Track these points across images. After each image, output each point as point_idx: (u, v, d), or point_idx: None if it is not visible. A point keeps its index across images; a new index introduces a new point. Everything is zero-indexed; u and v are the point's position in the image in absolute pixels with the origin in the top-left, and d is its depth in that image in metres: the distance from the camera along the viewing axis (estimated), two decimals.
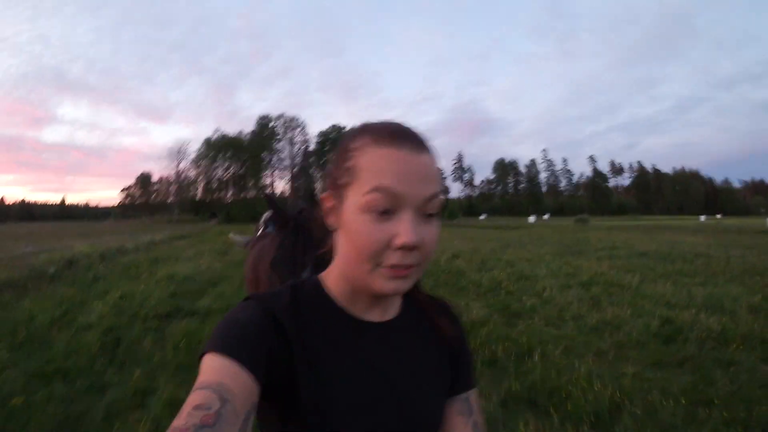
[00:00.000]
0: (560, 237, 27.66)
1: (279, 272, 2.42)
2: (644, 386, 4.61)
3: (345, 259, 0.82)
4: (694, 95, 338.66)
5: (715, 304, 7.98)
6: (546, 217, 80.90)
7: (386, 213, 0.74)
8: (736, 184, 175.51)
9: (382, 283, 0.77)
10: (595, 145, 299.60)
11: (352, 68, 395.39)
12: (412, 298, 0.99)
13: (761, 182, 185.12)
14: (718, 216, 67.52)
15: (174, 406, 3.98)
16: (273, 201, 2.88)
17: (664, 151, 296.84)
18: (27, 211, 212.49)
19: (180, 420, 0.56)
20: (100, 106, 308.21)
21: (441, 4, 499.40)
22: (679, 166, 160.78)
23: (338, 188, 0.81)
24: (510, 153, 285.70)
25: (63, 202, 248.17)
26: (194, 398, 0.60)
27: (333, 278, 0.89)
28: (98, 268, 13.24)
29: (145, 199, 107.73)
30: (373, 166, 0.76)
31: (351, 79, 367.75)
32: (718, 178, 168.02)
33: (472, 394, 1.00)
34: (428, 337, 0.97)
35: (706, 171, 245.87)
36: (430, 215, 0.78)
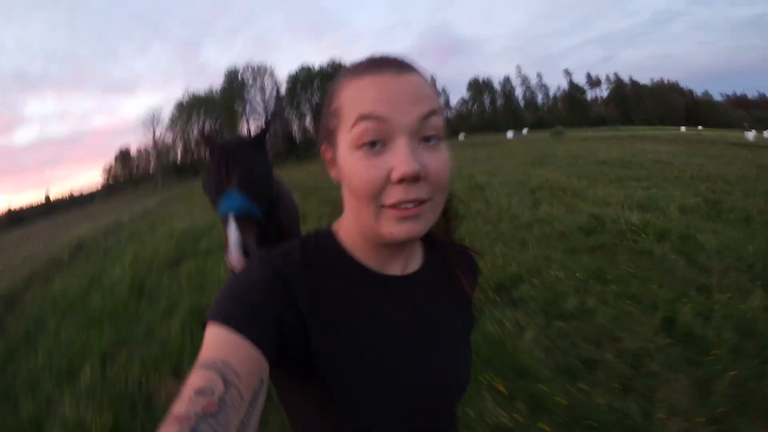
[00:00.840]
0: (530, 150, 28.46)
1: (208, 196, 2.41)
2: (548, 264, 5.66)
3: (351, 208, 0.77)
4: (670, 9, 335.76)
5: (650, 204, 8.76)
6: (525, 131, 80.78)
7: (378, 145, 0.69)
8: (718, 98, 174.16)
9: (390, 227, 0.70)
10: (571, 59, 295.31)
11: (316, 4, 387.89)
12: (432, 245, 0.95)
13: (743, 96, 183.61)
14: (699, 128, 67.09)
15: (193, 314, 5.30)
16: (206, 137, 2.79)
17: (642, 63, 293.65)
18: (16, 217, 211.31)
19: (181, 407, 0.53)
20: (67, 95, 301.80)
21: None
22: (657, 78, 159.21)
23: (330, 135, 0.77)
24: (486, 72, 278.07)
25: (47, 198, 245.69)
26: (196, 379, 0.56)
27: (345, 230, 0.84)
28: (106, 243, 14.31)
29: (128, 174, 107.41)
30: (355, 98, 0.71)
31: (316, 16, 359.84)
32: (699, 90, 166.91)
33: None
34: (455, 290, 0.93)
35: (685, 84, 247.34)
36: (431, 139, 0.71)
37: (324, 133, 0.80)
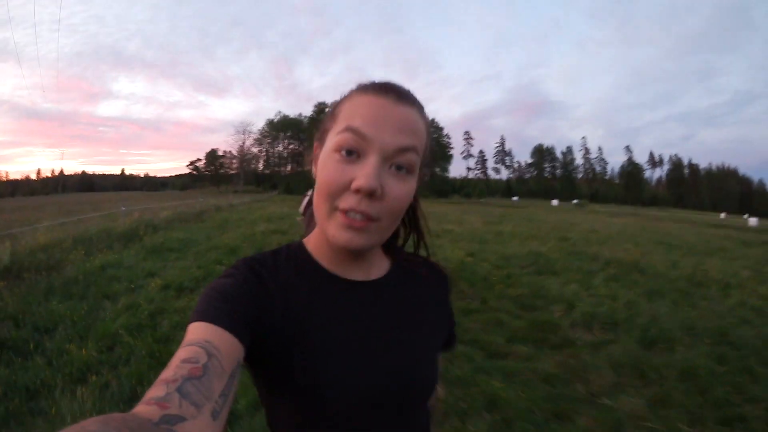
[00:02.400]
0: (537, 216, 32.61)
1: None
2: None
3: (315, 205, 0.80)
4: (750, 91, 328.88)
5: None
6: (575, 201, 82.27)
7: (353, 154, 0.73)
8: None
9: (335, 230, 0.75)
10: (652, 134, 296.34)
11: (413, 45, 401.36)
12: (398, 259, 0.98)
13: None
14: (745, 216, 67.65)
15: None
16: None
17: (718, 146, 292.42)
18: (87, 182, 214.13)
19: (168, 372, 0.56)
20: (157, 81, 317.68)
21: None
22: (720, 162, 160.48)
23: (323, 134, 0.83)
24: (568, 136, 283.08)
25: (123, 173, 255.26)
26: (181, 353, 0.60)
27: (314, 241, 0.90)
28: (210, 218, 20.28)
29: (213, 171, 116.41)
30: (351, 109, 0.76)
31: (412, 56, 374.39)
32: (765, 178, 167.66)
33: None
34: (421, 296, 0.95)
35: (750, 171, 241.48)
36: (402, 169, 0.75)
37: (320, 130, 0.85)
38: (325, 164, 0.76)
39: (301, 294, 0.82)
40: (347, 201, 0.73)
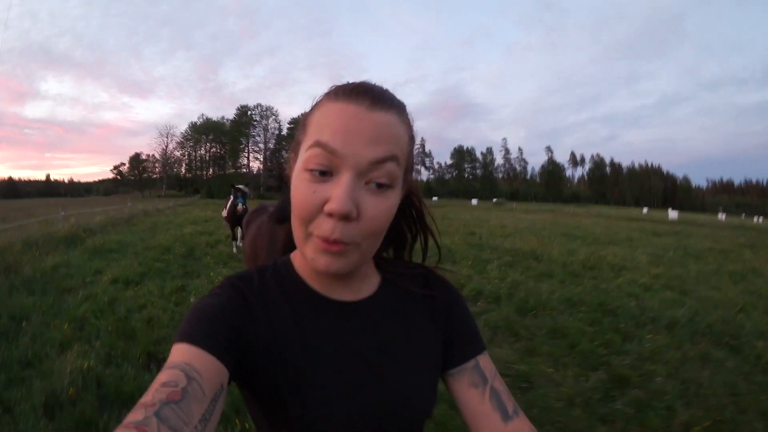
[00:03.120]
0: (452, 214, 34.79)
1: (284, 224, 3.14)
2: None
3: (293, 226, 0.76)
4: (678, 93, 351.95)
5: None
6: (494, 200, 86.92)
7: (325, 174, 0.69)
8: (703, 183, 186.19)
9: (313, 255, 0.71)
10: (575, 135, 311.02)
11: (339, 49, 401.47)
12: (388, 274, 0.94)
13: (729, 183, 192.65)
14: (675, 212, 69.23)
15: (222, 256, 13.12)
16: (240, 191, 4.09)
17: (644, 146, 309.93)
18: (13, 188, 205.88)
19: (147, 396, 0.56)
20: (84, 81, 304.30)
21: None
22: (644, 161, 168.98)
23: (296, 146, 0.79)
24: (491, 138, 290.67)
25: (48, 178, 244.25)
26: (161, 377, 0.60)
27: (299, 257, 0.87)
28: (140, 222, 21.03)
29: (137, 176, 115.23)
30: (321, 120, 0.71)
31: (337, 59, 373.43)
32: (693, 176, 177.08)
33: (482, 359, 0.90)
34: (412, 313, 0.90)
35: (676, 169, 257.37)
36: (380, 184, 0.70)
37: (293, 143, 0.81)
38: (297, 185, 0.72)
39: (287, 315, 0.80)
40: (321, 227, 0.68)
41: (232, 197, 11.39)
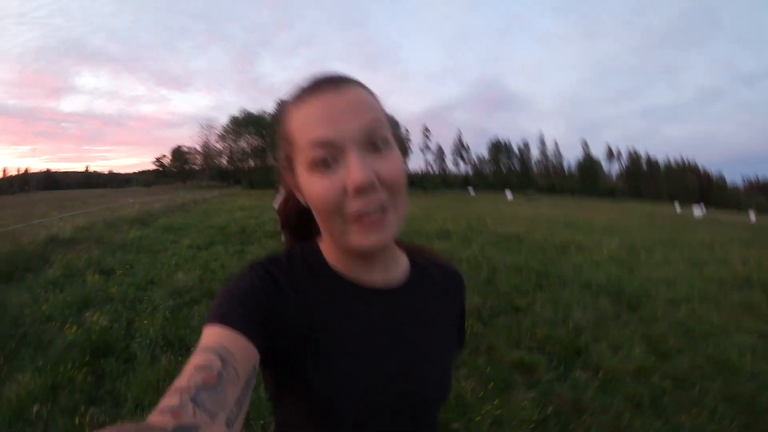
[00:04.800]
0: (477, 205, 37.56)
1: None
2: None
3: (323, 228, 0.80)
4: (714, 87, 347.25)
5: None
6: (532, 193, 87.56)
7: (331, 163, 0.72)
8: (739, 181, 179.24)
9: (358, 239, 0.73)
10: (614, 127, 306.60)
11: (375, 39, 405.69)
12: (414, 257, 0.97)
13: (766, 181, 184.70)
14: (701, 209, 63.82)
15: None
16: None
17: (683, 141, 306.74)
18: (52, 180, 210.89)
19: (182, 380, 0.56)
20: (120, 76, 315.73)
21: None
22: (680, 157, 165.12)
23: (288, 162, 0.81)
24: (529, 130, 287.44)
25: (87, 169, 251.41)
26: (196, 359, 0.60)
27: (326, 246, 0.88)
28: (192, 209, 24.44)
29: (179, 167, 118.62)
30: (302, 124, 0.74)
31: (373, 49, 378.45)
32: (729, 173, 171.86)
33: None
34: (436, 299, 0.94)
35: (711, 165, 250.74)
36: (381, 146, 0.74)
37: (283, 161, 0.83)
38: (309, 187, 0.74)
39: (317, 298, 0.81)
40: (354, 205, 0.70)
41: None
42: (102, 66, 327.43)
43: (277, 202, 3.94)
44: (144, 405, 3.51)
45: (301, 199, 0.83)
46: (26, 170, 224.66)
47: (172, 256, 9.43)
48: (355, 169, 0.69)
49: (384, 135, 0.74)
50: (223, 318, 0.68)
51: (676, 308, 7.11)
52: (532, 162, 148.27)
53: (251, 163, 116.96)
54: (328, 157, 0.71)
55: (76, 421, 3.32)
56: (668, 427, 3.71)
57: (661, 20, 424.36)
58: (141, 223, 15.52)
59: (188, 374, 0.56)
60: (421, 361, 0.85)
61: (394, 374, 0.81)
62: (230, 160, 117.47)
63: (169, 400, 0.52)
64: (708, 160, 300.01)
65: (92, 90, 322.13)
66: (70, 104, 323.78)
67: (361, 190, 0.69)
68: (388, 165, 0.73)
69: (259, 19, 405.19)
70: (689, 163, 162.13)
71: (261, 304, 0.74)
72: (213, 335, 0.65)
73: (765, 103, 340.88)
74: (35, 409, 3.42)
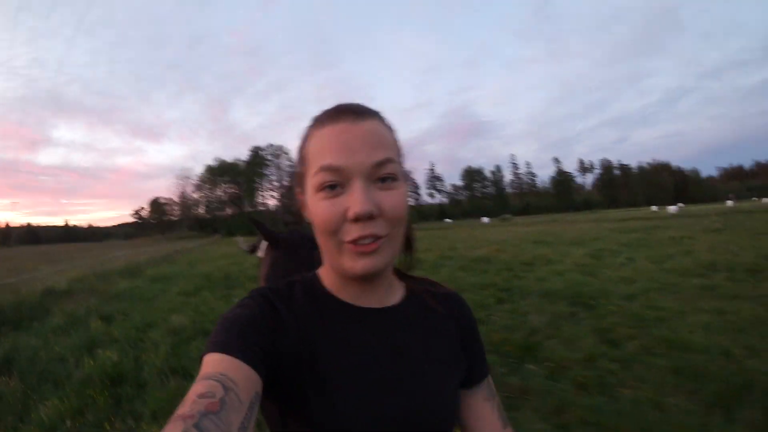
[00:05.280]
0: (452, 234, 37.05)
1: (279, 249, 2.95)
2: None
3: (320, 246, 0.81)
4: (681, 86, 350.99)
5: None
6: (501, 217, 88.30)
7: (337, 188, 0.74)
8: (713, 172, 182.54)
9: (350, 261, 0.75)
10: (586, 141, 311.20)
11: (346, 80, 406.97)
12: (412, 286, 0.98)
13: (739, 168, 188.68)
14: (680, 205, 63.73)
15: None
16: (260, 225, 3.06)
17: (654, 143, 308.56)
18: (33, 234, 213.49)
19: (185, 408, 0.56)
20: (96, 128, 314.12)
21: (431, 11, 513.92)
22: (655, 159, 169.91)
23: (301, 180, 0.84)
24: (503, 154, 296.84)
25: (66, 224, 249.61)
26: (197, 388, 0.61)
27: (325, 271, 0.90)
28: (178, 259, 25.71)
29: (157, 219, 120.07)
30: (317, 148, 0.77)
31: (345, 90, 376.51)
32: (702, 167, 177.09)
33: (490, 378, 1.01)
34: (435, 324, 0.94)
35: (684, 162, 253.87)
36: (388, 180, 0.76)
37: (297, 178, 0.86)
38: (315, 207, 0.77)
39: (315, 323, 0.82)
40: (351, 232, 0.73)
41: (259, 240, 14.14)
42: (78, 118, 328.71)
43: (244, 245, 4.01)
44: (159, 416, 4.20)
45: (306, 216, 0.86)
46: (7, 225, 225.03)
47: (164, 303, 10.21)
48: (357, 198, 0.72)
49: (392, 170, 0.76)
50: (223, 346, 0.70)
51: (632, 301, 7.66)
52: (505, 185, 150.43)
53: (228, 210, 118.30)
54: (335, 183, 0.74)
55: (107, 426, 4.07)
56: (610, 400, 4.10)
57: (624, 31, 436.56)
58: (130, 274, 16.31)
59: (190, 402, 0.58)
60: (420, 383, 0.84)
61: (394, 398, 0.80)
62: (207, 208, 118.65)
63: (173, 427, 0.53)
64: (681, 158, 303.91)
65: (68, 143, 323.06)
66: (47, 157, 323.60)
67: (359, 219, 0.72)
68: (391, 199, 0.75)
69: (232, 66, 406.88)
70: (662, 164, 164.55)
71: (261, 332, 0.75)
72: (213, 363, 0.67)
73: (733, 93, 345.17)
74: (68, 423, 4.13)
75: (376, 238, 0.73)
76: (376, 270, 0.75)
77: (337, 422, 0.75)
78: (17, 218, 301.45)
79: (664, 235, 19.17)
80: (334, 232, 0.74)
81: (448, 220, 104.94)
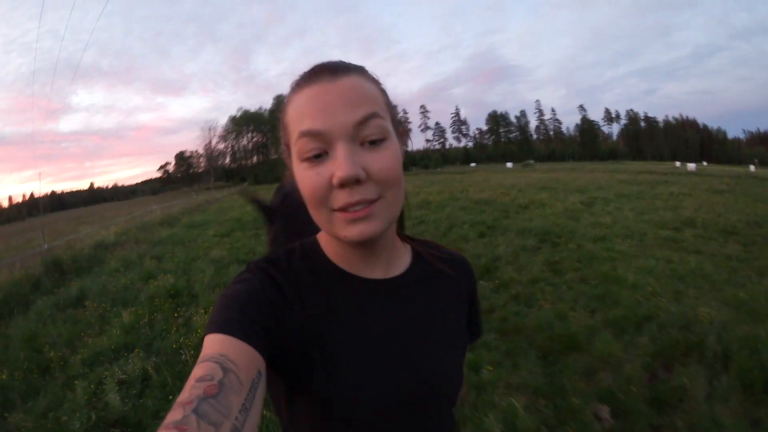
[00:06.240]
0: (473, 178, 36.88)
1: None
2: None
3: (312, 216, 0.77)
4: (712, 43, 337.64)
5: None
6: (530, 162, 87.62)
7: (320, 156, 0.71)
8: (740, 134, 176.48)
9: (343, 230, 0.72)
10: (614, 91, 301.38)
11: (368, 22, 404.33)
12: (417, 250, 0.96)
13: (766, 133, 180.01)
14: (704, 163, 64.59)
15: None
16: (257, 201, 3.02)
17: (682, 99, 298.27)
18: (58, 201, 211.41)
19: (184, 394, 0.55)
20: (115, 89, 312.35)
21: None
22: (682, 114, 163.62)
23: (286, 148, 0.80)
24: (529, 99, 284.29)
25: (92, 186, 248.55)
26: (197, 371, 0.59)
27: (324, 238, 0.87)
28: (207, 208, 27.74)
29: (184, 172, 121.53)
30: (295, 113, 0.73)
31: (367, 33, 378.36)
32: (729, 129, 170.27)
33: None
34: (441, 290, 0.93)
35: (712, 121, 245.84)
36: (374, 140, 0.71)
37: (283, 145, 0.82)
38: (300, 176, 0.73)
39: (318, 296, 0.80)
40: (339, 199, 0.69)
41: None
42: (96, 82, 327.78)
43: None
44: (208, 312, 5.81)
45: (296, 183, 0.79)
46: (32, 195, 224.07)
47: (203, 243, 12.11)
48: (340, 163, 0.68)
49: (380, 129, 0.72)
50: (222, 326, 0.68)
51: (595, 243, 8.57)
52: (531, 131, 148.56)
53: (254, 159, 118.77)
54: (318, 149, 0.70)
55: (175, 315, 6.06)
56: (531, 310, 5.28)
57: None
58: (167, 224, 18.24)
59: (189, 387, 0.56)
60: (428, 354, 0.84)
61: (401, 370, 0.80)
62: (233, 159, 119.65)
63: (173, 415, 0.52)
64: (708, 116, 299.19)
65: (88, 107, 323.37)
66: (68, 124, 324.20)
67: (345, 184, 0.68)
68: (379, 159, 0.71)
69: (250, 15, 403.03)
70: (689, 120, 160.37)
71: (262, 308, 0.73)
72: (213, 344, 0.65)
73: (762, 57, 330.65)
74: (144, 321, 5.88)
75: (369, 202, 0.70)
76: (373, 235, 0.72)
77: (344, 397, 0.75)
78: (42, 187, 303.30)
79: (666, 190, 19.21)
80: (323, 200, 0.71)
81: (473, 164, 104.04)
